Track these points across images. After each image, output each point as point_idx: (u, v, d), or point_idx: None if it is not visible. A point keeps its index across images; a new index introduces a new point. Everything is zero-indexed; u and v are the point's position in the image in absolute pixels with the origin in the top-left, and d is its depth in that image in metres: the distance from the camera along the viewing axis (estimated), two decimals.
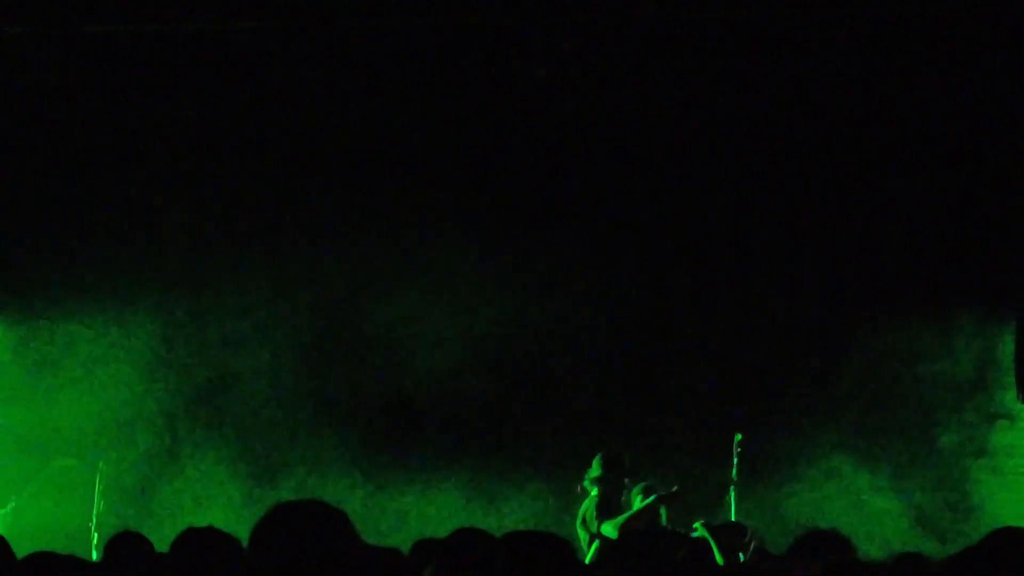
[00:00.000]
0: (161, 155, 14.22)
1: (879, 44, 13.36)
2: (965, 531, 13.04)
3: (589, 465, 12.45)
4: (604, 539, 11.70)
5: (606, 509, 11.88)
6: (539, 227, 14.31)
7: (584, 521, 12.10)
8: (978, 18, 13.04)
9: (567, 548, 6.01)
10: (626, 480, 12.25)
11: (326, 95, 14.02)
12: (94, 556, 11.82)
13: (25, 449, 14.25)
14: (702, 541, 9.29)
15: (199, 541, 5.01)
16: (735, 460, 13.02)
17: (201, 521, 8.17)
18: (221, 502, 14.06)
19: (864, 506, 13.80)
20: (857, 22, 13.29)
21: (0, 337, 14.45)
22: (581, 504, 12.22)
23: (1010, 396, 13.75)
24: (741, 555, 10.68)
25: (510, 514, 13.97)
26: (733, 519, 12.73)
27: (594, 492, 12.04)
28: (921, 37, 13.33)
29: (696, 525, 11.21)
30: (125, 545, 6.95)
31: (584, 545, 11.89)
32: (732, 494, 12.83)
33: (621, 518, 11.80)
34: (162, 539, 6.08)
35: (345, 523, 4.11)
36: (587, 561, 11.48)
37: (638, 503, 12.11)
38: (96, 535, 12.83)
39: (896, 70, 13.45)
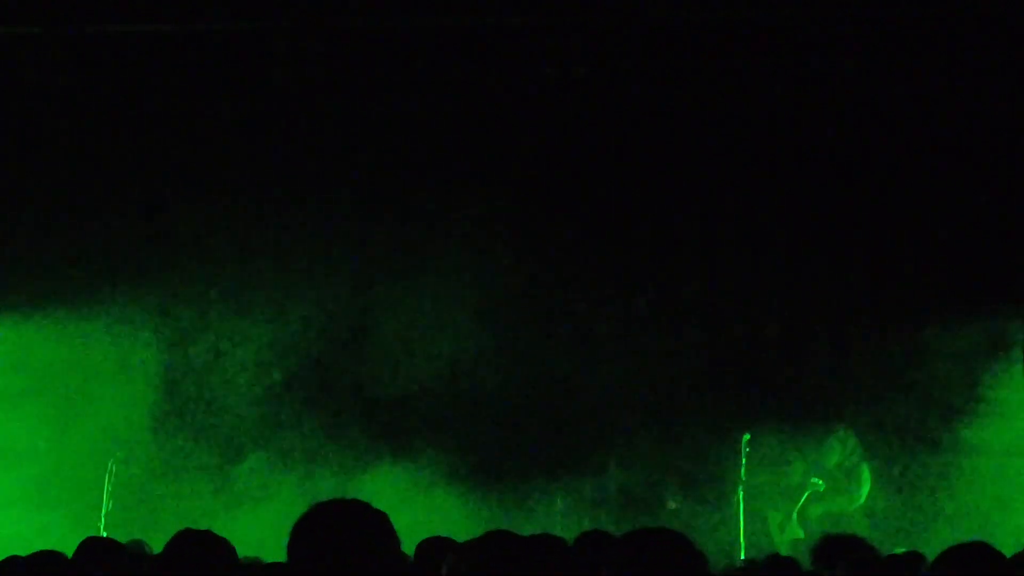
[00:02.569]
0: (167, 156, 14.22)
1: (895, 44, 13.33)
2: (962, 529, 12.95)
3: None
4: None
5: None
6: (548, 224, 14.31)
7: None
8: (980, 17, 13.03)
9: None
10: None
11: (334, 93, 14.03)
12: None
13: (34, 452, 14.24)
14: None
15: (193, 544, 4.99)
16: (743, 460, 13.02)
17: (209, 523, 8.18)
18: (231, 502, 14.08)
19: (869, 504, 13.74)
20: (874, 22, 13.28)
21: (2, 338, 14.42)
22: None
23: (1016, 397, 13.70)
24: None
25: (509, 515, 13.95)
26: (742, 519, 12.74)
27: None
28: (932, 37, 13.31)
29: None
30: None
31: None
32: (740, 493, 12.82)
33: None
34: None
35: (386, 523, 4.07)
36: None
37: None
38: (105, 535, 12.80)
39: (919, 71, 13.43)
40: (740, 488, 12.84)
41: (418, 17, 13.42)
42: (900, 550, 8.33)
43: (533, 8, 13.30)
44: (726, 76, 13.63)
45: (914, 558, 7.54)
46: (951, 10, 13.05)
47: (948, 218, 13.87)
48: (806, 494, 12.96)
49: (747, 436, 13.21)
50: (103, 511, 13.18)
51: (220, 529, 5.53)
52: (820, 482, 12.78)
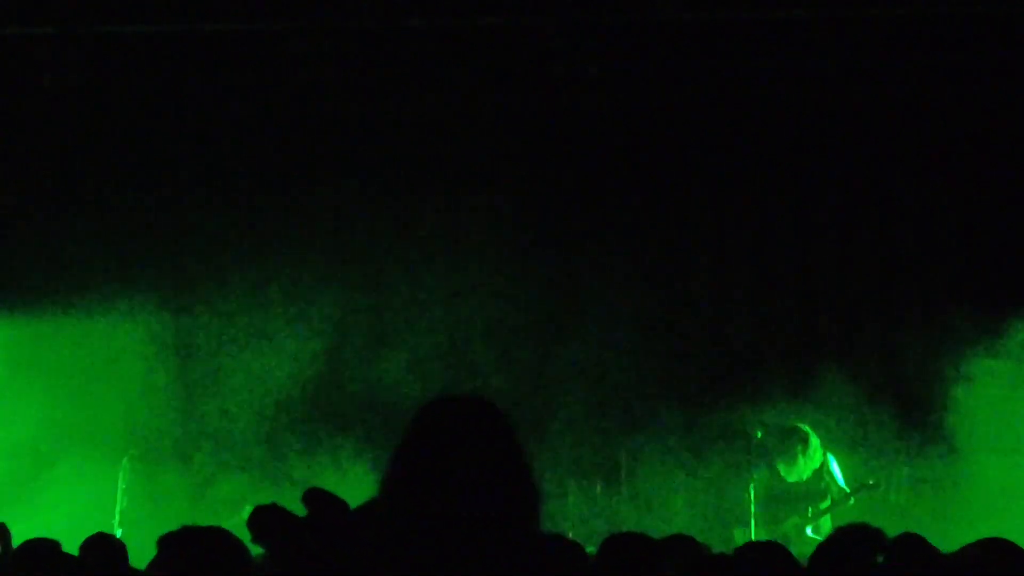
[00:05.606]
0: (176, 156, 14.27)
1: (908, 43, 13.36)
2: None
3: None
4: None
5: None
6: (558, 224, 14.33)
7: None
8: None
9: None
10: None
11: (349, 94, 14.07)
12: None
13: (42, 451, 14.24)
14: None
15: (196, 541, 4.94)
16: (752, 457, 13.01)
17: (220, 521, 8.20)
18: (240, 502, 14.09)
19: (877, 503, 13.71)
20: (886, 21, 13.31)
21: (6, 337, 14.39)
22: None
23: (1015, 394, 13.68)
24: None
25: None
26: (752, 516, 12.72)
27: None
28: (942, 35, 13.34)
29: None
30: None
31: None
32: (751, 491, 12.81)
33: None
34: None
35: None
36: None
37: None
38: (120, 532, 12.82)
39: (926, 70, 13.45)
40: (751, 484, 12.82)
41: (428, 17, 13.46)
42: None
43: (544, 7, 13.34)
44: (738, 74, 13.67)
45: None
46: (962, 9, 13.08)
47: (954, 216, 13.88)
48: (851, 492, 12.81)
49: (759, 433, 13.18)
50: (117, 508, 13.19)
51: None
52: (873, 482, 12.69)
